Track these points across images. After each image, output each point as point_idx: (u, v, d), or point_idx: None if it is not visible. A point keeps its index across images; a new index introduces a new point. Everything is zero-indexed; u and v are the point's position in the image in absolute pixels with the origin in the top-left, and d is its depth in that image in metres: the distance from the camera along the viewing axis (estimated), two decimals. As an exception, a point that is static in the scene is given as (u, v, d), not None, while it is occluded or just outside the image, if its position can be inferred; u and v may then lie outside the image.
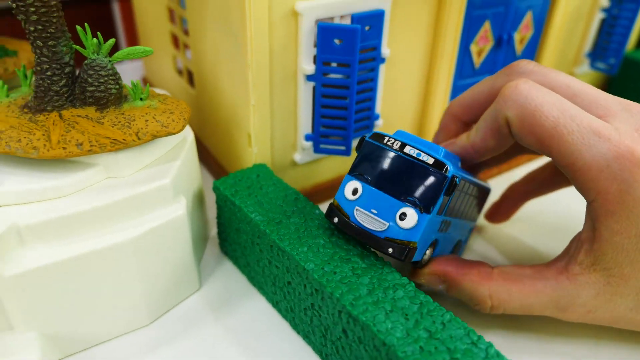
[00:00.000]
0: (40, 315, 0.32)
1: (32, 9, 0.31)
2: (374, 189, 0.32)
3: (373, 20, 0.40)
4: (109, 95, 0.34)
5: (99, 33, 0.33)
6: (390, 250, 0.31)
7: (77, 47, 0.33)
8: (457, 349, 0.27)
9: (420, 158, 0.31)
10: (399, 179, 0.32)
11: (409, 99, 0.48)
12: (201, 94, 0.48)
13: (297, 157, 0.43)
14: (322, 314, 0.32)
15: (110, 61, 0.34)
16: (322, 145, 0.42)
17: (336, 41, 0.37)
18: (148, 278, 0.35)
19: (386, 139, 0.33)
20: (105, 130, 0.33)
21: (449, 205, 0.33)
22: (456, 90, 0.50)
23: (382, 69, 0.43)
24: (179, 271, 0.37)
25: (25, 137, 0.32)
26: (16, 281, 0.30)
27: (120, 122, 0.33)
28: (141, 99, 0.35)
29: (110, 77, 0.34)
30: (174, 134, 0.34)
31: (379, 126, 0.46)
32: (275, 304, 0.38)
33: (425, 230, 0.32)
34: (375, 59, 0.41)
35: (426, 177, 0.31)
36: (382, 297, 0.30)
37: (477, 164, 0.39)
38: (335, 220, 0.33)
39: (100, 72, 0.33)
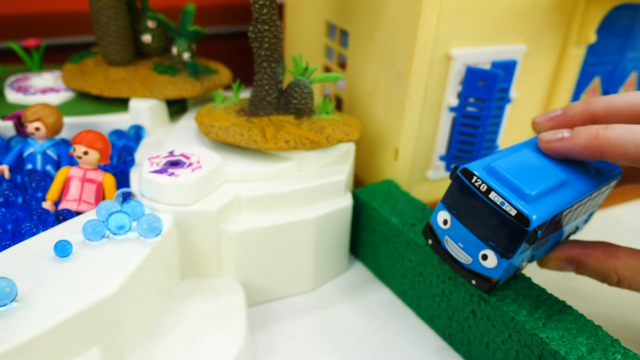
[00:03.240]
0: (242, 267, 0.41)
1: (266, 39, 0.41)
2: (461, 224, 0.34)
3: (508, 68, 0.48)
4: (305, 108, 0.44)
5: (307, 61, 0.43)
6: (474, 282, 0.34)
7: (289, 69, 0.43)
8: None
9: (504, 208, 0.31)
10: (483, 221, 0.32)
11: (525, 136, 0.55)
12: (348, 116, 0.57)
13: (430, 173, 0.52)
14: (451, 299, 0.39)
15: (310, 82, 0.43)
16: (452, 166, 0.50)
17: (479, 82, 0.46)
18: (318, 252, 0.43)
19: (474, 178, 0.32)
20: (305, 132, 0.42)
21: (544, 232, 0.33)
22: (564, 133, 0.57)
23: (508, 108, 0.51)
24: (338, 251, 0.45)
25: (246, 133, 0.42)
26: (235, 237, 0.39)
27: (314, 128, 0.43)
28: (327, 112, 0.45)
29: (309, 95, 0.43)
30: (353, 141, 0.43)
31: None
32: (402, 294, 0.45)
33: (507, 269, 0.33)
34: (504, 99, 0.49)
35: (508, 227, 0.31)
36: (506, 285, 0.37)
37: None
38: (430, 241, 0.36)
39: (303, 90, 0.43)
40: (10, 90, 0.50)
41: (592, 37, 0.50)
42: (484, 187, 0.32)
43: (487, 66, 0.48)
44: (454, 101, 0.48)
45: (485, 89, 0.46)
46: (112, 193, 0.39)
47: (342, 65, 0.57)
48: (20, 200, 0.39)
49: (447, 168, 0.50)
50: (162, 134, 0.48)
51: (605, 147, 0.32)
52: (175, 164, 0.39)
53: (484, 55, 0.47)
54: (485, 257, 0.33)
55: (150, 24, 0.50)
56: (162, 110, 0.49)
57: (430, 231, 0.36)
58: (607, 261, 0.37)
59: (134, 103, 0.48)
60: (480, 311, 0.37)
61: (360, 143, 0.56)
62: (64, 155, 0.42)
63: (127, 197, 0.37)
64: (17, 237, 0.35)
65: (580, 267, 0.38)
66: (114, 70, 0.50)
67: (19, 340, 0.27)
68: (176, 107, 0.51)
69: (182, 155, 0.40)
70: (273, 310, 0.43)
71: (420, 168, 0.51)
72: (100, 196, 0.39)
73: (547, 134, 0.35)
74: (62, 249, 0.32)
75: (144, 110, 0.47)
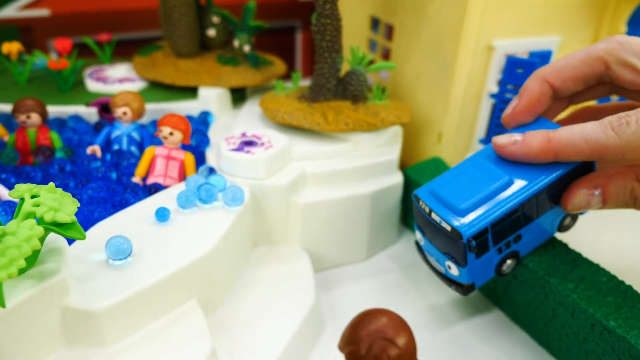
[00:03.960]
0: (307, 236, 0.45)
1: (328, 32, 0.45)
2: (428, 241, 0.38)
3: (543, 57, 0.52)
4: (361, 94, 0.48)
5: (364, 52, 0.47)
6: (453, 288, 0.37)
7: (346, 58, 0.48)
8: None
9: (442, 225, 0.34)
10: (437, 237, 0.36)
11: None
12: (391, 104, 0.61)
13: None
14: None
15: (365, 71, 0.48)
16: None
17: (518, 70, 0.50)
18: (373, 224, 0.48)
19: (420, 202, 0.36)
20: (362, 116, 0.46)
21: (494, 238, 0.35)
22: (593, 119, 0.60)
23: (542, 95, 0.55)
24: (390, 224, 0.49)
25: (309, 116, 0.46)
26: (302, 209, 0.43)
27: (370, 112, 0.47)
28: (380, 99, 0.49)
29: (365, 82, 0.48)
30: (404, 123, 0.48)
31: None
32: None
33: (474, 272, 0.35)
34: (539, 86, 0.53)
35: (451, 241, 0.34)
36: (543, 251, 0.40)
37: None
38: (421, 257, 0.40)
39: (360, 78, 0.47)
40: (91, 81, 0.55)
41: (622, 29, 0.53)
42: (427, 209, 0.35)
43: (524, 56, 0.52)
44: (495, 88, 0.51)
45: (524, 77, 0.50)
46: (192, 169, 0.44)
47: (385, 57, 0.61)
48: (114, 176, 0.44)
49: (486, 150, 0.54)
50: (228, 119, 0.53)
51: (558, 149, 0.33)
52: (249, 143, 0.43)
53: (522, 46, 0.51)
54: (449, 267, 0.36)
55: (215, 19, 0.55)
56: (227, 97, 0.54)
57: (419, 248, 0.40)
58: (627, 171, 0.35)
59: (203, 91, 0.52)
60: (520, 275, 0.41)
61: (403, 128, 0.60)
62: (146, 137, 0.47)
63: (211, 171, 0.42)
64: (116, 206, 0.40)
65: (605, 189, 0.35)
66: (183, 62, 0.54)
67: (137, 288, 0.32)
68: (237, 95, 0.56)
69: (253, 136, 0.45)
70: (332, 276, 0.47)
71: (460, 150, 0.55)
72: (182, 172, 0.44)
73: (500, 138, 0.36)
74: (162, 215, 0.37)
75: (212, 98, 0.52)
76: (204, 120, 0.52)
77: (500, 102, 0.52)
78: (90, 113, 0.51)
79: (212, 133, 0.50)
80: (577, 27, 0.53)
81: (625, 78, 0.35)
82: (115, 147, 0.47)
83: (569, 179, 0.36)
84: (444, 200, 0.35)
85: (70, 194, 0.31)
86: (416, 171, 0.51)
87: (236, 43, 0.55)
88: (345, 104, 0.48)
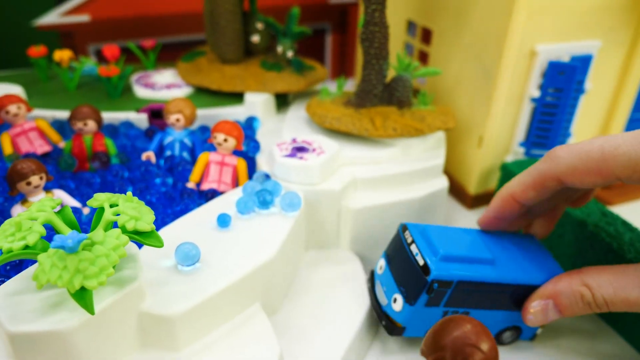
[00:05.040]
0: (356, 239, 0.46)
1: (376, 39, 0.46)
2: (389, 270, 0.38)
3: (584, 61, 0.52)
4: (407, 100, 0.48)
5: (410, 58, 0.47)
6: (383, 323, 0.37)
7: (392, 64, 0.48)
8: None
9: (417, 258, 0.35)
10: (402, 268, 0.36)
11: (593, 123, 0.59)
12: (428, 107, 0.61)
13: (509, 158, 0.56)
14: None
15: (411, 77, 0.48)
16: (532, 151, 0.54)
17: (560, 74, 0.50)
18: (418, 227, 0.48)
19: (407, 232, 0.37)
20: (409, 121, 0.47)
21: (450, 299, 0.35)
22: (632, 123, 0.60)
23: (582, 98, 0.55)
24: (434, 227, 0.50)
25: (357, 122, 0.47)
26: (354, 213, 0.44)
27: (416, 118, 0.47)
28: (425, 104, 0.49)
29: (410, 88, 0.48)
30: (450, 128, 0.48)
31: (570, 142, 0.57)
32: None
33: (414, 317, 0.35)
34: (579, 90, 0.53)
35: (415, 275, 0.35)
36: None
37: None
38: (367, 286, 0.41)
39: (405, 84, 0.47)
40: (139, 87, 0.55)
41: (662, 33, 0.53)
42: (409, 239, 0.37)
43: (565, 60, 0.52)
44: (536, 92, 0.51)
45: (565, 80, 0.50)
46: (245, 175, 0.44)
47: (421, 60, 0.62)
48: (170, 181, 0.44)
49: (527, 153, 0.55)
50: (273, 124, 0.53)
51: None
52: (301, 149, 0.44)
53: (563, 50, 0.51)
54: (395, 300, 0.36)
55: (259, 25, 0.55)
56: (272, 102, 0.54)
57: (371, 276, 0.41)
58: (573, 278, 0.35)
59: (249, 97, 0.53)
60: None
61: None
62: (197, 143, 0.48)
63: (266, 177, 0.42)
64: (177, 213, 0.41)
65: (556, 301, 0.36)
66: (228, 68, 0.55)
67: (208, 294, 0.32)
68: (279, 100, 0.56)
69: (304, 142, 0.45)
70: (379, 278, 0.48)
71: (500, 154, 0.55)
72: (235, 177, 0.44)
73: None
74: (224, 221, 0.38)
75: (258, 103, 0.53)
76: (250, 126, 0.52)
77: (541, 105, 0.52)
78: (140, 119, 0.52)
79: (260, 138, 0.50)
80: (616, 31, 0.53)
81: (578, 183, 0.34)
82: (168, 153, 0.47)
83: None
84: (430, 240, 0.36)
85: (143, 202, 0.32)
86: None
87: (280, 49, 0.55)
88: (391, 109, 0.48)
